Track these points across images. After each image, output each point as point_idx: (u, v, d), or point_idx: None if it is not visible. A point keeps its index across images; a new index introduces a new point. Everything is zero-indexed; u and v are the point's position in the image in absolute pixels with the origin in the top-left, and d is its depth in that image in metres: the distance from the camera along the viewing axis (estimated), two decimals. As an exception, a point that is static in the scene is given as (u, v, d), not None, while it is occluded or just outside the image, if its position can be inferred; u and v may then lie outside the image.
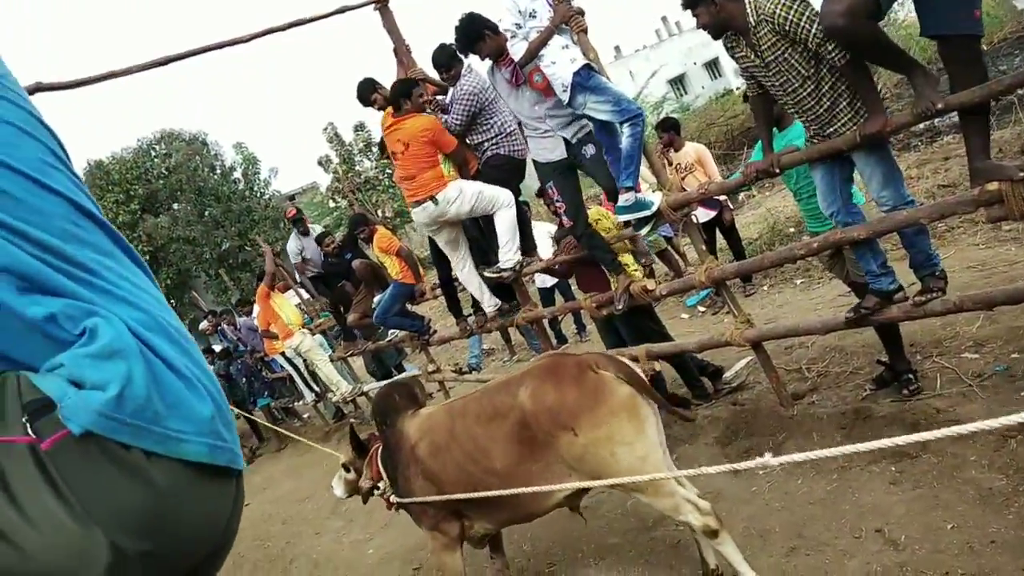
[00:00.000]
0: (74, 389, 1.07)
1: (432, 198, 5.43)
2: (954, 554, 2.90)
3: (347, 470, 4.19)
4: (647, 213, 4.53)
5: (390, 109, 5.54)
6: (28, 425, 1.04)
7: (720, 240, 8.15)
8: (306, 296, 9.95)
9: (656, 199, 4.53)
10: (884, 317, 3.90)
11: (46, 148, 1.22)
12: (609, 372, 3.15)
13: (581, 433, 3.05)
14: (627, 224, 4.74)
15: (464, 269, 6.02)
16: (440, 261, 6.62)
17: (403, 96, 5.42)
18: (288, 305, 9.43)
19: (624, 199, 4.50)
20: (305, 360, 9.96)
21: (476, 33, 4.76)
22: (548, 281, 8.50)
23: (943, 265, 3.86)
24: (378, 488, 3.93)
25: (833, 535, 3.36)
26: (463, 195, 5.45)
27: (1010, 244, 5.83)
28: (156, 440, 1.11)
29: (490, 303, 6.09)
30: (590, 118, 4.57)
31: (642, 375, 3.31)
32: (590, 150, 4.76)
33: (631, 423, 3.07)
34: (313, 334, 9.83)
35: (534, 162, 5.01)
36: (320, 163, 28.91)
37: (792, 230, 9.07)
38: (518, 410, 3.21)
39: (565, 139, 4.80)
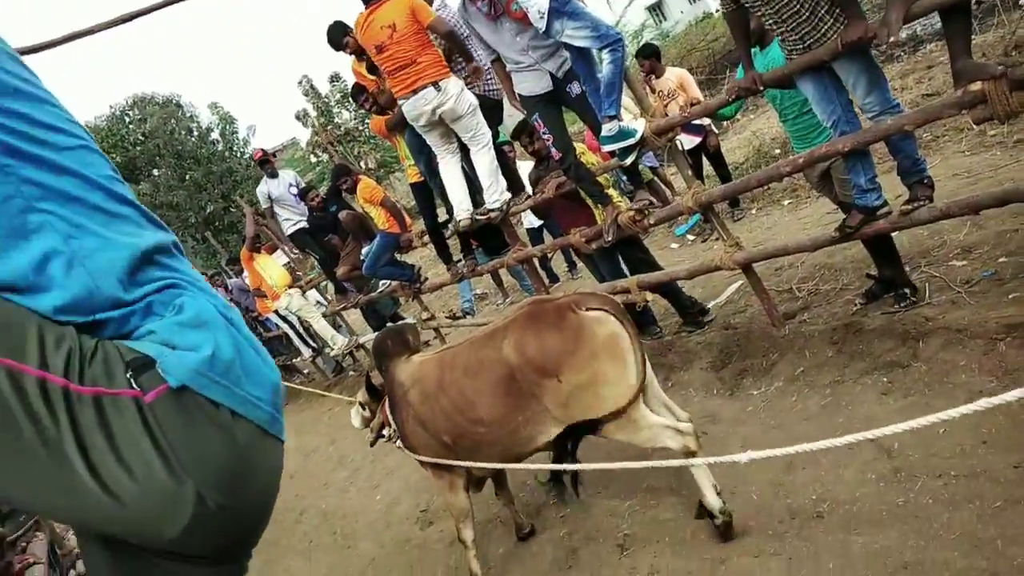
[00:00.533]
0: (169, 350, 1.19)
1: (435, 83, 5.13)
2: (946, 457, 2.95)
3: (362, 407, 4.33)
4: (632, 141, 4.46)
5: (362, 13, 5.19)
6: (132, 380, 1.14)
7: (707, 167, 8.08)
8: (294, 254, 9.85)
9: (639, 126, 4.46)
10: (872, 229, 3.88)
11: (105, 161, 1.41)
12: (591, 311, 3.18)
13: (564, 379, 3.09)
14: (611, 154, 4.67)
15: (449, 166, 5.71)
16: (427, 208, 6.55)
17: None
18: (273, 266, 9.33)
19: (607, 128, 4.42)
20: (299, 317, 9.97)
21: None
22: (536, 221, 8.44)
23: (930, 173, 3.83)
24: (383, 434, 4.10)
25: (828, 447, 3.40)
26: (463, 95, 5.23)
27: (996, 149, 5.79)
28: (239, 401, 1.24)
29: (465, 210, 5.80)
30: (568, 46, 4.45)
31: (621, 307, 3.33)
32: (575, 88, 4.64)
33: (613, 363, 3.10)
34: (304, 291, 9.79)
35: (519, 96, 4.88)
36: (298, 117, 28.41)
37: (778, 151, 8.99)
38: (503, 363, 3.26)
39: (551, 74, 4.67)
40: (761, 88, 3.96)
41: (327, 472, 7.32)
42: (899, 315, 4.06)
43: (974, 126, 6.38)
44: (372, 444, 4.33)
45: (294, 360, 11.84)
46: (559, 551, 3.83)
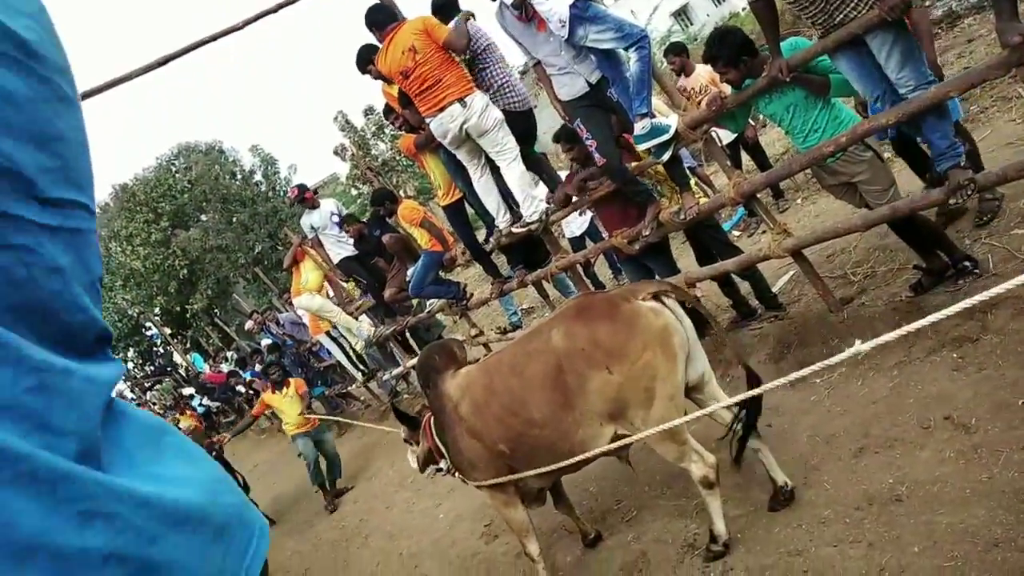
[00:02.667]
0: None
1: (461, 100, 5.15)
2: (1030, 428, 2.81)
3: (410, 444, 4.25)
4: (666, 137, 4.41)
5: (384, 46, 5.30)
6: None
7: (746, 161, 7.95)
8: (343, 285, 9.95)
9: (673, 121, 4.41)
10: (925, 203, 3.74)
11: None
12: (645, 300, 3.09)
13: (615, 371, 3.00)
14: (648, 152, 4.63)
15: (482, 179, 5.73)
16: (463, 226, 6.58)
17: (374, 25, 5.29)
18: (313, 271, 9.41)
19: (640, 127, 4.38)
20: (350, 343, 10.09)
21: None
22: (578, 230, 8.40)
23: (979, 149, 3.67)
24: (440, 468, 4.00)
25: (901, 430, 3.28)
26: (489, 110, 5.25)
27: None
28: None
29: (505, 219, 5.82)
30: (593, 50, 4.44)
31: (687, 294, 3.28)
32: (615, 93, 4.63)
33: (665, 356, 3.01)
34: (356, 318, 9.90)
35: (560, 101, 4.87)
36: (336, 153, 29.01)
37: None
38: (551, 354, 3.17)
39: (587, 81, 4.66)
40: (787, 76, 3.83)
41: (390, 494, 7.33)
42: (964, 289, 3.90)
43: (1022, 93, 6.17)
44: (422, 471, 4.25)
45: (349, 388, 11.96)
46: (628, 555, 3.75)
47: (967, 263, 4.04)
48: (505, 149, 5.36)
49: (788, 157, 8.69)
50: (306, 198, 8.95)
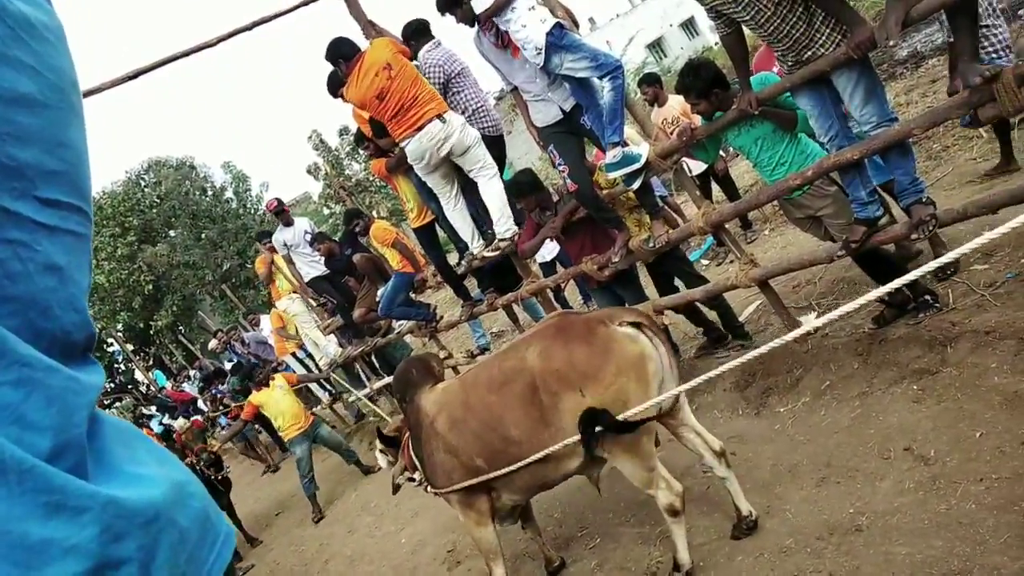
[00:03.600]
0: None
1: (440, 116, 5.14)
2: (986, 460, 2.86)
3: (385, 454, 4.26)
4: (637, 166, 4.46)
5: (352, 75, 5.27)
6: None
7: (716, 192, 8.06)
8: (312, 301, 9.85)
9: (644, 150, 4.46)
10: (888, 237, 3.83)
11: None
12: (622, 326, 3.09)
13: (588, 394, 2.99)
14: (618, 181, 4.67)
15: (455, 208, 5.73)
16: (434, 248, 6.58)
17: (340, 57, 5.27)
18: (286, 271, 9.32)
19: (612, 155, 4.43)
20: (316, 363, 9.98)
21: None
22: (548, 255, 8.43)
23: (929, 192, 3.75)
24: (413, 479, 3.94)
25: (861, 460, 3.31)
26: (467, 127, 5.26)
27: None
28: None
29: (478, 244, 5.81)
30: (568, 77, 4.50)
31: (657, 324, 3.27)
32: (588, 121, 4.68)
33: (639, 383, 3.01)
34: (324, 334, 9.80)
35: (535, 127, 4.89)
36: (309, 171, 28.91)
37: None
38: (527, 372, 3.16)
39: (561, 108, 4.70)
40: (756, 110, 3.92)
41: (352, 518, 7.21)
42: (924, 323, 3.98)
43: (983, 133, 6.36)
44: (394, 492, 4.25)
45: (315, 409, 11.79)
46: (591, 583, 3.72)
47: (928, 297, 4.12)
48: (487, 164, 5.38)
49: (756, 189, 8.84)
50: (283, 211, 8.92)
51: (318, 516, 7.77)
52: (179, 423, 10.16)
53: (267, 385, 7.98)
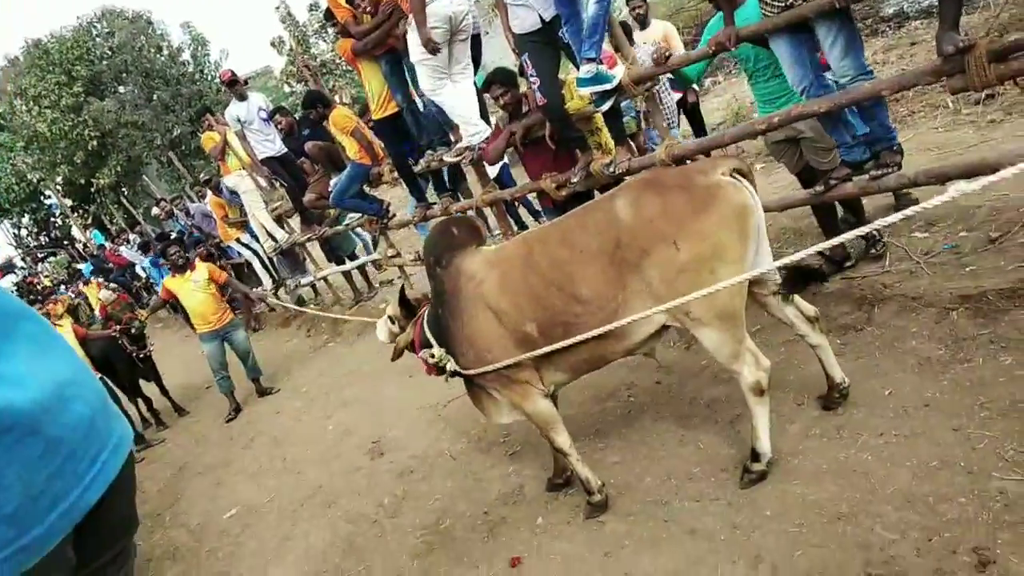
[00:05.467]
0: None
1: None
2: (889, 417, 3.03)
3: (392, 322, 3.84)
4: (608, 87, 4.37)
5: None
6: None
7: (684, 125, 8.00)
8: (263, 184, 9.57)
9: (618, 72, 4.38)
10: (840, 193, 3.90)
11: None
12: (725, 175, 2.75)
13: (684, 246, 2.67)
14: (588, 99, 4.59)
15: (463, 82, 5.44)
16: (394, 143, 6.41)
17: None
18: (238, 148, 8.90)
19: (585, 70, 4.33)
20: (261, 246, 9.81)
21: None
22: (492, 171, 8.29)
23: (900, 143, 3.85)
24: (433, 355, 3.38)
25: (777, 403, 3.45)
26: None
27: (968, 128, 5.83)
28: None
29: (474, 129, 5.47)
30: (553, -16, 4.33)
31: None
32: (566, 35, 4.53)
33: (740, 238, 2.67)
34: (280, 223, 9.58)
35: (513, 33, 4.72)
36: (273, 45, 27.53)
37: (756, 116, 8.96)
38: (611, 224, 2.83)
39: (540, 16, 4.54)
40: (734, 45, 3.88)
41: (281, 400, 7.29)
42: (856, 280, 4.12)
43: (949, 104, 6.43)
44: (393, 359, 3.85)
45: (256, 289, 11.67)
46: (506, 486, 3.88)
47: (877, 248, 4.36)
48: (469, 63, 5.25)
49: (723, 128, 8.84)
50: (237, 83, 8.49)
51: (232, 415, 7.36)
52: (104, 295, 9.77)
53: (183, 271, 7.28)
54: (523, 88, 5.27)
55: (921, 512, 2.48)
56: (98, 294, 11.68)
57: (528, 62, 4.64)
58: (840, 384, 3.21)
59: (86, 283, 12.00)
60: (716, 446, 3.40)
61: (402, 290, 3.84)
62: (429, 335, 3.43)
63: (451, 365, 3.34)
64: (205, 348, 7.36)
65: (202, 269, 7.36)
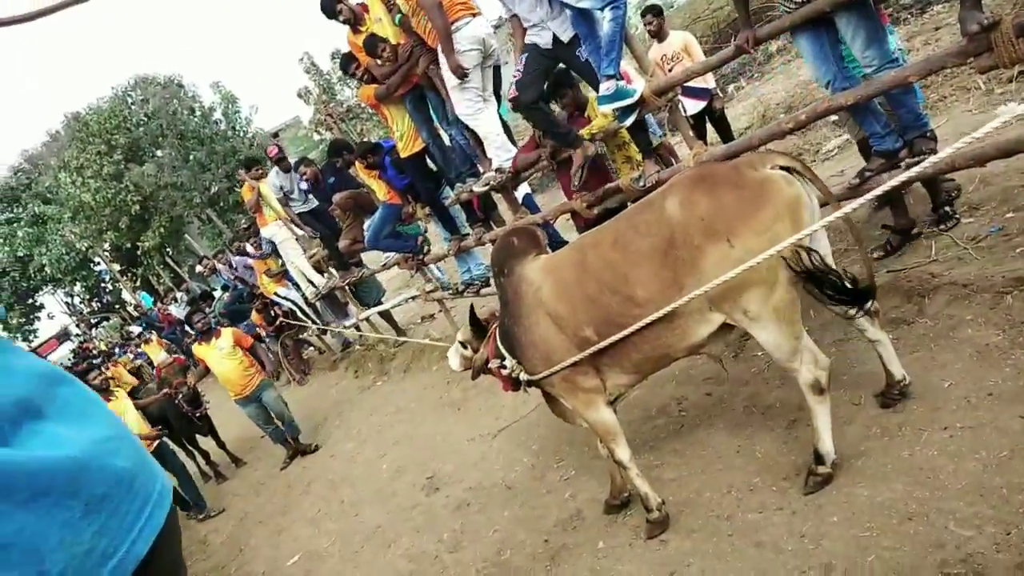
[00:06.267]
0: None
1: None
2: (952, 410, 2.92)
3: (464, 347, 3.93)
4: (630, 101, 4.38)
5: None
6: None
7: (711, 134, 7.96)
8: (299, 232, 9.78)
9: (638, 86, 4.39)
10: (875, 185, 3.81)
11: None
12: (774, 169, 2.72)
13: (738, 242, 2.63)
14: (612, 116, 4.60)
15: (487, 110, 5.45)
16: (423, 179, 6.50)
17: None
18: (273, 200, 9.16)
19: (605, 88, 4.35)
20: (303, 295, 9.99)
21: None
22: (519, 195, 8.32)
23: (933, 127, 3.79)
24: (505, 367, 3.49)
25: (833, 405, 3.36)
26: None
27: (1003, 106, 5.68)
28: None
29: (506, 155, 5.48)
30: (568, 6, 4.38)
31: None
32: (584, 53, 4.57)
33: (795, 231, 2.55)
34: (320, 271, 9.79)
35: (526, 46, 4.80)
36: (300, 95, 28.32)
37: (783, 116, 8.87)
38: (664, 224, 2.80)
39: (556, 37, 4.59)
40: (753, 48, 3.87)
41: (334, 443, 7.35)
42: (904, 272, 4.01)
43: (980, 85, 6.28)
44: (474, 378, 3.94)
45: (302, 336, 11.85)
46: (564, 512, 3.83)
47: (947, 208, 4.26)
48: (492, 92, 5.33)
49: (751, 131, 8.76)
50: (284, 159, 8.89)
51: (287, 462, 7.41)
52: (161, 358, 10.06)
53: (208, 339, 7.36)
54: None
55: (995, 505, 2.38)
56: (159, 354, 11.92)
57: (521, 60, 4.69)
58: (900, 381, 3.12)
59: (146, 341, 12.29)
60: (775, 454, 3.32)
61: (471, 309, 3.89)
62: (502, 348, 3.50)
63: (523, 375, 3.40)
64: (245, 411, 7.45)
65: (227, 335, 7.39)
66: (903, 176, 2.35)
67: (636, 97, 4.33)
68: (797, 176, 2.76)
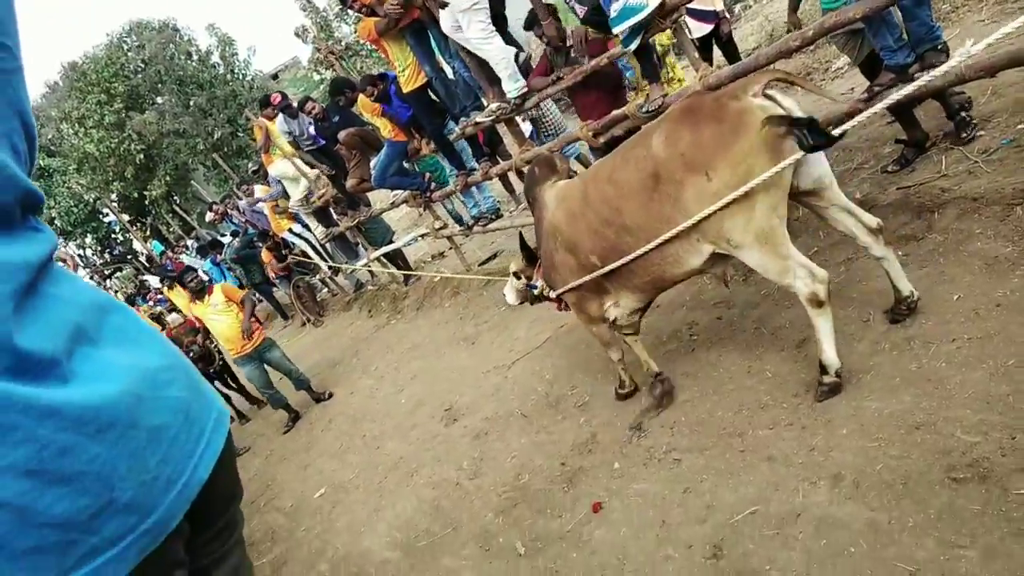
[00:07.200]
0: None
1: None
2: (960, 322, 2.96)
3: (518, 278, 4.20)
4: (640, 17, 4.28)
5: None
6: None
7: (718, 57, 7.79)
8: (306, 170, 9.75)
9: (650, 3, 4.28)
10: (885, 101, 3.76)
11: None
12: (757, 97, 2.69)
13: (715, 176, 2.71)
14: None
15: (498, 37, 5.33)
16: (428, 114, 6.44)
17: None
18: (282, 142, 9.09)
19: (614, 8, 4.26)
20: (313, 234, 10.03)
21: None
22: (526, 129, 8.25)
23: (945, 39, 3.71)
24: (535, 286, 4.00)
25: (841, 323, 3.40)
26: None
27: (1018, 16, 5.52)
28: None
29: (516, 84, 5.43)
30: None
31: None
32: None
33: (773, 162, 2.61)
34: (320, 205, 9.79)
35: None
36: (297, 34, 27.64)
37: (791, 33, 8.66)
38: (650, 159, 2.91)
39: None
40: None
41: (353, 381, 7.51)
42: (914, 188, 4.00)
43: (996, -9, 6.10)
44: (532, 303, 4.26)
45: (315, 278, 11.96)
46: (579, 436, 3.93)
47: (963, 115, 4.20)
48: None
49: (757, 52, 8.56)
50: (289, 106, 8.80)
51: (289, 425, 7.23)
52: (172, 318, 10.19)
53: (201, 297, 7.05)
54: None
55: (1002, 412, 2.44)
56: (182, 300, 12.09)
57: None
58: (908, 297, 3.14)
59: (170, 287, 12.40)
60: (785, 373, 3.38)
61: (520, 237, 4.16)
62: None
63: (548, 291, 3.84)
64: (246, 370, 7.19)
65: (218, 291, 7.13)
66: (911, 87, 2.31)
67: (646, 14, 4.21)
68: (788, 97, 2.72)
